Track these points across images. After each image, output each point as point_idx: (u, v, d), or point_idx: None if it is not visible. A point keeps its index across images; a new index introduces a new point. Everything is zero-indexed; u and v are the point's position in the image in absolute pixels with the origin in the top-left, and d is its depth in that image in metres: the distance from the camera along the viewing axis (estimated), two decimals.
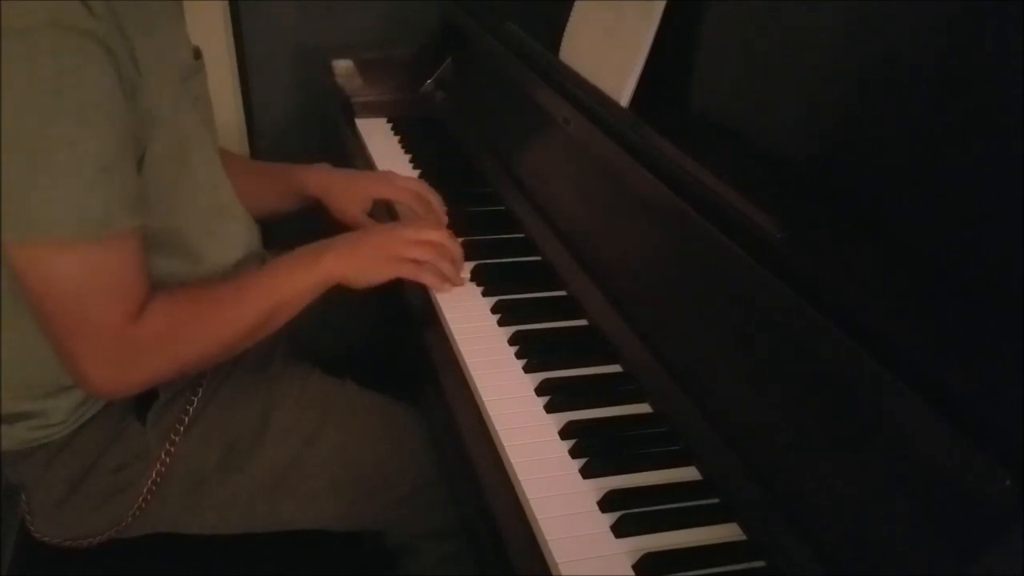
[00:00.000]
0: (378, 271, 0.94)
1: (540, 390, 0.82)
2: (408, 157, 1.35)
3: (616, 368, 0.86)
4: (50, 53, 0.67)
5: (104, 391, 0.82)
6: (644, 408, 0.81)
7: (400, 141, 1.41)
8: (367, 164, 1.34)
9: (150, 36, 0.77)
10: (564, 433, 0.77)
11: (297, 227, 1.07)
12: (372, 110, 1.52)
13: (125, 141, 0.74)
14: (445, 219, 1.10)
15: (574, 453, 0.75)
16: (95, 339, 0.77)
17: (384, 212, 1.17)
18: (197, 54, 0.91)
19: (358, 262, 0.92)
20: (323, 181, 1.14)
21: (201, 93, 0.90)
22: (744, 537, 0.67)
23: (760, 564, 0.65)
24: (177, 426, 0.91)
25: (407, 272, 0.95)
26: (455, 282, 0.98)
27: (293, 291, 0.89)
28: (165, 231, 0.83)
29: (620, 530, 0.67)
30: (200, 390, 0.93)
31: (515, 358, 0.87)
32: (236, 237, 0.94)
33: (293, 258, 0.91)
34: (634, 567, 0.64)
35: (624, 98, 0.97)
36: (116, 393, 0.84)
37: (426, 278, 0.96)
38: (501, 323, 0.92)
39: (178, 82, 0.83)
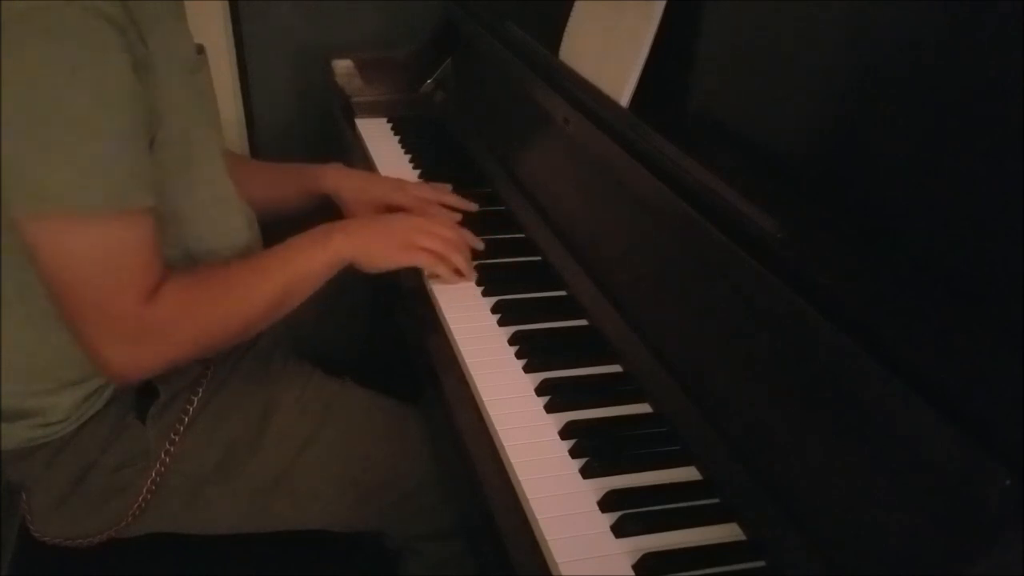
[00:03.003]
0: (389, 256, 0.94)
1: (540, 390, 0.82)
2: (408, 157, 1.35)
3: (616, 368, 0.86)
4: (66, 30, 0.68)
5: (120, 372, 0.81)
6: (644, 408, 0.81)
7: (400, 141, 1.41)
8: (367, 164, 1.34)
9: (157, 29, 0.78)
10: (564, 433, 0.77)
11: (297, 227, 1.07)
12: (372, 110, 1.52)
13: (139, 121, 0.75)
14: (458, 216, 1.10)
15: (574, 453, 0.75)
16: (108, 319, 0.77)
17: None
18: (200, 50, 0.91)
19: (369, 244, 0.93)
20: (338, 178, 1.15)
21: (205, 88, 0.91)
22: (744, 537, 0.67)
23: (760, 564, 0.65)
24: (177, 426, 0.91)
25: (421, 261, 0.95)
26: (467, 276, 0.98)
27: (304, 270, 0.89)
28: (163, 220, 0.83)
29: (620, 530, 0.67)
30: (200, 390, 0.93)
31: (515, 358, 0.87)
32: (235, 231, 0.94)
33: (303, 238, 0.91)
34: (634, 567, 0.64)
35: (624, 98, 0.97)
36: (133, 375, 0.83)
37: (439, 269, 0.96)
38: (501, 323, 0.92)
39: (184, 74, 0.84)
